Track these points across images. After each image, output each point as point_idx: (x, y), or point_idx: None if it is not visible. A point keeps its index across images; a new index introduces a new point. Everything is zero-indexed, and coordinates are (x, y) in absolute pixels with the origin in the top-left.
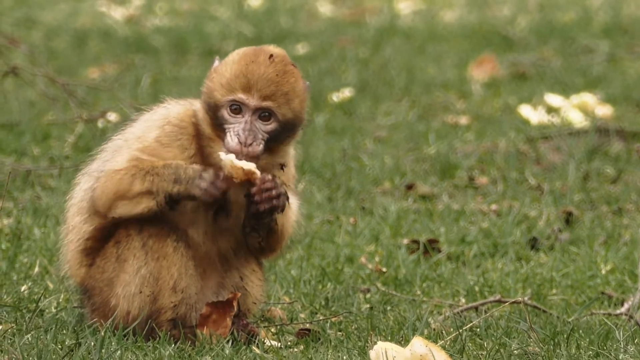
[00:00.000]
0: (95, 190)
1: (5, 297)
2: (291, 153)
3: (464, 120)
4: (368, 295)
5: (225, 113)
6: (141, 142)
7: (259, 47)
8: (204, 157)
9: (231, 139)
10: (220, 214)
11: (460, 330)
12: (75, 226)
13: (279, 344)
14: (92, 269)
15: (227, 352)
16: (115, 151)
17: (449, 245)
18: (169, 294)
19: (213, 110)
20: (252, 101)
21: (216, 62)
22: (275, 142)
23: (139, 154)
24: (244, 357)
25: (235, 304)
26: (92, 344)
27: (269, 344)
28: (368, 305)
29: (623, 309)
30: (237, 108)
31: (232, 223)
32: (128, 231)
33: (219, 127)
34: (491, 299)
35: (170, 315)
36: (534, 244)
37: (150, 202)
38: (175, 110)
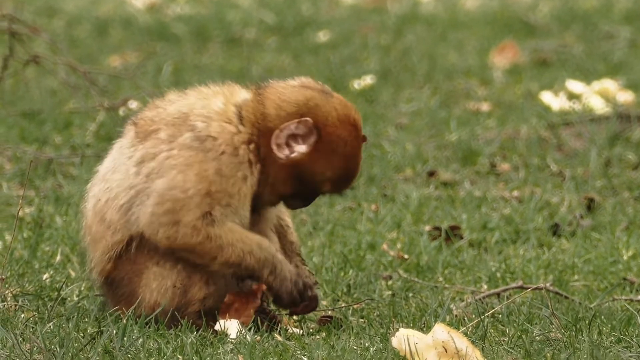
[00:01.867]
0: (163, 227)
1: (27, 285)
2: None
3: (485, 106)
4: (390, 282)
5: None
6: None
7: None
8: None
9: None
10: (253, 214)
11: (482, 317)
12: (117, 226)
13: (301, 331)
14: (122, 261)
15: (249, 339)
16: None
17: (471, 232)
18: (199, 286)
19: (304, 184)
20: None
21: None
22: None
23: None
24: (266, 344)
25: (259, 295)
26: (115, 331)
27: (291, 331)
28: (390, 292)
29: None
30: None
31: (262, 219)
32: None
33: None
34: (513, 285)
35: (197, 307)
36: (555, 230)
37: (224, 269)
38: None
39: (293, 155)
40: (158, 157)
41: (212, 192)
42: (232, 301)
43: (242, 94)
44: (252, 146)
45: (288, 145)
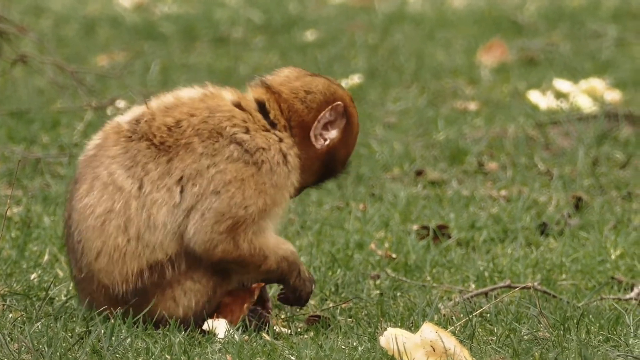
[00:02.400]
0: (219, 243)
1: (15, 285)
2: None
3: (473, 105)
4: (378, 282)
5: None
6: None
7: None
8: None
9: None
10: None
11: (470, 316)
12: (157, 244)
13: (289, 331)
14: (150, 272)
15: (237, 338)
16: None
17: (459, 231)
18: (219, 298)
19: (329, 169)
20: None
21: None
22: None
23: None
24: (255, 344)
25: (256, 293)
26: (103, 331)
27: (279, 331)
28: (378, 292)
29: (633, 294)
30: None
31: None
32: None
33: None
34: (501, 284)
35: (208, 312)
36: (543, 229)
37: (261, 276)
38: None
39: (327, 142)
40: (205, 173)
41: (267, 205)
42: (229, 301)
43: (248, 95)
44: (295, 149)
45: (321, 135)
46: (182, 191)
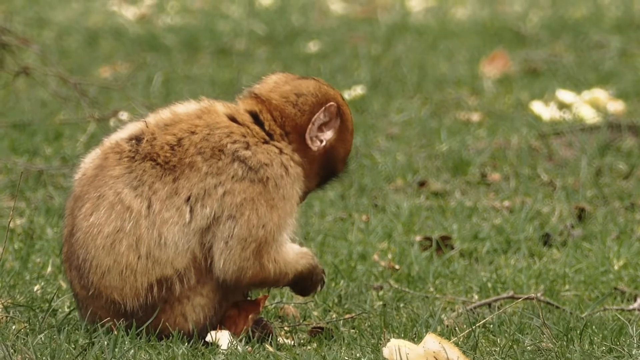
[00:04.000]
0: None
1: (18, 297)
2: None
3: (475, 116)
4: (381, 293)
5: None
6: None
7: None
8: None
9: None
10: None
11: (474, 327)
12: (167, 261)
13: (293, 342)
14: (159, 287)
15: (240, 350)
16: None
17: (462, 242)
18: (225, 310)
19: (328, 170)
20: None
21: (336, 121)
22: None
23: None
24: (258, 355)
25: (262, 305)
26: (106, 343)
27: (283, 342)
28: (381, 303)
29: (636, 305)
30: None
31: None
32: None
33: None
34: (504, 295)
35: (213, 325)
36: (546, 240)
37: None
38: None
39: (324, 143)
40: (213, 194)
41: (281, 217)
42: (234, 313)
43: (240, 107)
44: (295, 157)
45: (316, 136)
46: (191, 210)
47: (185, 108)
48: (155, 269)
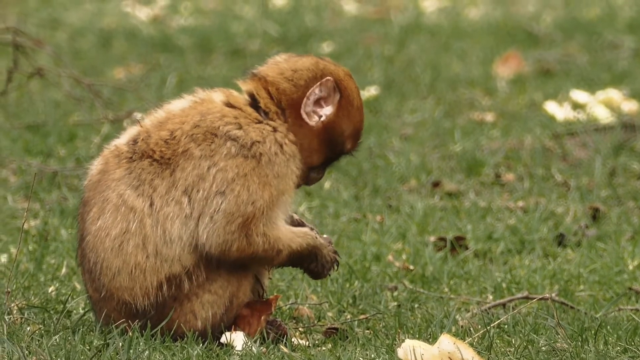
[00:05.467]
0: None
1: (32, 298)
2: None
3: (489, 117)
4: (395, 293)
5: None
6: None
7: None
8: None
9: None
10: None
11: (488, 327)
12: (174, 258)
13: (307, 343)
14: (169, 285)
15: (254, 351)
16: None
17: (476, 243)
18: (236, 310)
19: (333, 146)
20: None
21: (335, 93)
22: None
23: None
24: (272, 356)
25: (274, 305)
26: (120, 344)
27: (297, 343)
28: (395, 303)
29: None
30: None
31: None
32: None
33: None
34: (519, 295)
35: (226, 324)
36: (560, 240)
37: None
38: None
39: (322, 119)
40: (206, 176)
41: (273, 195)
42: (247, 313)
43: (231, 92)
44: (291, 136)
45: (314, 112)
46: (189, 201)
47: (180, 103)
48: (163, 266)
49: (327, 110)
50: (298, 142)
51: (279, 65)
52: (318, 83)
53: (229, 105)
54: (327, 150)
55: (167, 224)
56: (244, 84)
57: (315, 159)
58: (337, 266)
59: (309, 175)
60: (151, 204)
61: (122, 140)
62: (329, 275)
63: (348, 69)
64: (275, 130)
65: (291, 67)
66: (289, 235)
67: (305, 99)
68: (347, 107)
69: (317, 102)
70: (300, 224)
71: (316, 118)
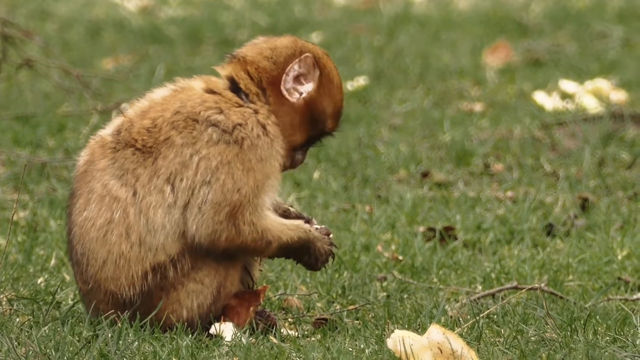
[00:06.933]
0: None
1: (22, 289)
2: None
3: (478, 107)
4: (385, 284)
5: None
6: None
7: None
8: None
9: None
10: None
11: (477, 318)
12: (159, 247)
13: (296, 333)
14: (154, 274)
15: (244, 341)
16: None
17: (465, 233)
18: (224, 300)
19: (314, 124)
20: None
21: (315, 70)
22: None
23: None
24: (262, 347)
25: (262, 296)
26: (110, 335)
27: (286, 334)
28: (385, 294)
29: None
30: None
31: None
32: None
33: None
34: (508, 285)
35: (214, 315)
36: (550, 230)
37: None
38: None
39: (303, 95)
40: (189, 164)
41: (258, 180)
42: (235, 303)
43: (211, 78)
44: (273, 117)
45: (294, 88)
46: (172, 189)
47: (161, 92)
48: (148, 255)
49: (308, 87)
50: (280, 122)
51: (258, 45)
52: (297, 59)
53: (209, 91)
54: (309, 128)
55: (150, 213)
56: (223, 69)
57: (298, 138)
58: (333, 259)
59: (293, 157)
60: (134, 193)
61: (107, 131)
62: (325, 267)
63: (335, 59)
64: (256, 112)
65: (270, 47)
66: (279, 227)
67: (284, 75)
68: (327, 84)
69: (297, 79)
70: (297, 216)
71: (297, 95)
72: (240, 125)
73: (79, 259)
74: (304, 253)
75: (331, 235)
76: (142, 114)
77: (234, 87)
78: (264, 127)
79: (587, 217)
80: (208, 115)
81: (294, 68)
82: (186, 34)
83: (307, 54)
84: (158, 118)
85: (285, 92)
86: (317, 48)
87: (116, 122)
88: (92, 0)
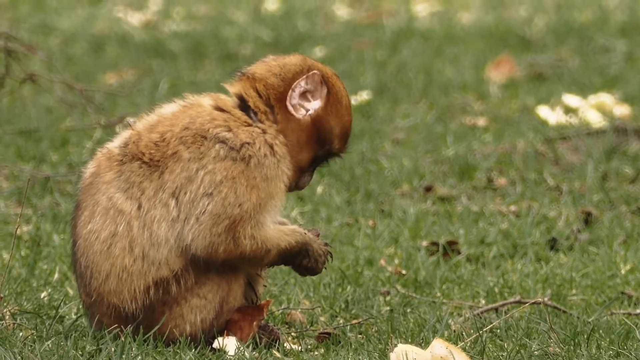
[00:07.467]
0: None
1: (25, 303)
2: None
3: (482, 121)
4: (388, 298)
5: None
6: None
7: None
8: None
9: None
10: None
11: (481, 332)
12: (162, 261)
13: (300, 348)
14: (156, 289)
15: (247, 356)
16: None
17: (469, 247)
18: (227, 315)
19: (321, 144)
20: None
21: (324, 88)
22: None
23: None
24: None
25: (265, 310)
26: (113, 349)
27: (290, 348)
28: (388, 308)
29: None
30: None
31: None
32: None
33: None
34: (511, 300)
35: (217, 329)
36: (553, 244)
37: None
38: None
39: (310, 112)
40: (195, 178)
41: (261, 198)
42: (239, 318)
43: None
44: (281, 137)
45: (301, 105)
46: (177, 203)
47: (171, 107)
48: (150, 270)
49: (314, 104)
50: (287, 141)
51: (267, 63)
52: (304, 76)
53: (218, 108)
54: (316, 147)
55: (154, 227)
56: (232, 86)
57: (305, 157)
58: (332, 258)
59: (300, 177)
60: (139, 207)
61: (114, 143)
62: (325, 268)
63: (338, 73)
64: (264, 132)
65: (279, 64)
66: (277, 235)
67: (290, 90)
68: (335, 104)
69: (304, 95)
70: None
71: (303, 111)
72: (248, 143)
73: (83, 272)
74: (303, 256)
75: (320, 236)
76: (151, 128)
77: (243, 105)
78: (271, 147)
79: (590, 232)
80: (217, 132)
81: (301, 84)
82: (189, 49)
83: (315, 71)
84: (166, 132)
85: (291, 108)
86: (327, 68)
87: (124, 135)
88: (95, 15)
